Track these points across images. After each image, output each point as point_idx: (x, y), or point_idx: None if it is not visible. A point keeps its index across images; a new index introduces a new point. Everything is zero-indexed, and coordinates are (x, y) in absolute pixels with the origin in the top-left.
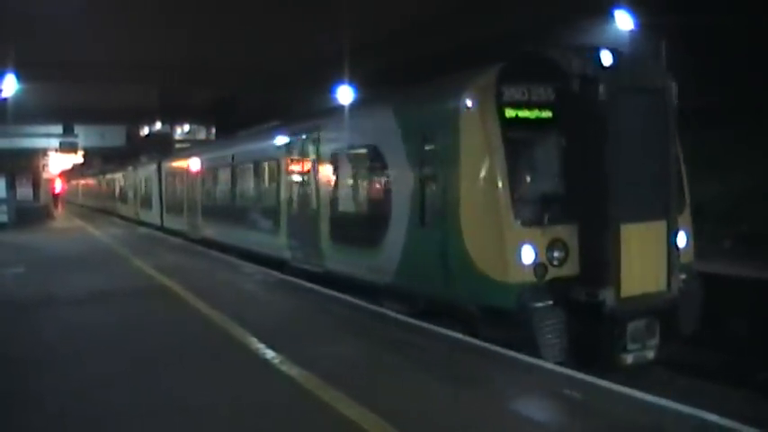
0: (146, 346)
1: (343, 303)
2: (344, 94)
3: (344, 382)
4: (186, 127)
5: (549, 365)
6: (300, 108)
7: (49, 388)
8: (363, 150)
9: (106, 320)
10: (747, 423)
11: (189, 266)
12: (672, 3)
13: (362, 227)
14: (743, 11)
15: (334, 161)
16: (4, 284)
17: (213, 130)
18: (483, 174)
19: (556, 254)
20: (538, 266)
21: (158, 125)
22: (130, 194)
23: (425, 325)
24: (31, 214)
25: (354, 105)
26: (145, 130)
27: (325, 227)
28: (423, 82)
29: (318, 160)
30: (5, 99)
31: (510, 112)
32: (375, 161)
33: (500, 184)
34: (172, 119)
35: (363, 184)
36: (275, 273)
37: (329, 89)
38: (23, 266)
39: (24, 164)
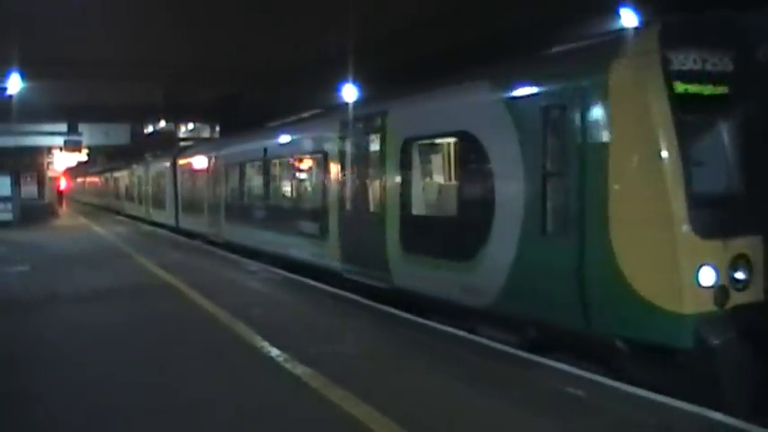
0: (150, 345)
1: (348, 301)
2: (349, 93)
3: (350, 382)
4: (190, 125)
5: (552, 363)
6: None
7: (52, 387)
8: (450, 139)
9: (111, 319)
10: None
11: (193, 264)
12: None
13: (450, 234)
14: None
15: (407, 152)
16: (8, 283)
17: (218, 128)
18: (647, 168)
19: (740, 274)
20: (719, 291)
21: (163, 123)
22: (141, 193)
23: (431, 324)
24: (35, 212)
25: (431, 85)
26: (149, 129)
27: (393, 233)
28: (532, 53)
29: (384, 151)
30: (11, 96)
31: (680, 86)
32: (467, 151)
33: (671, 183)
34: (176, 117)
35: (451, 180)
36: (280, 271)
37: (334, 87)
38: (28, 264)
39: (29, 162)
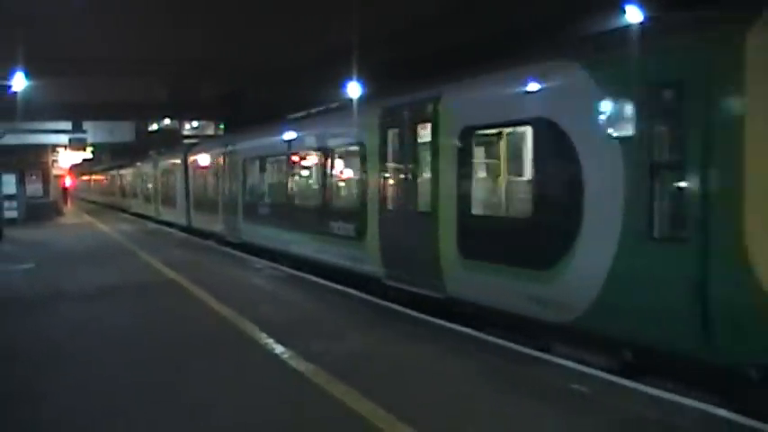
0: (154, 343)
1: (351, 297)
2: (354, 90)
3: (353, 378)
4: (195, 123)
5: (556, 359)
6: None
7: (56, 386)
8: (523, 127)
9: (115, 317)
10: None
11: (197, 262)
12: None
13: (522, 238)
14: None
15: (466, 142)
16: (14, 280)
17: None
18: None
19: None
20: None
21: (167, 121)
22: (149, 190)
23: (434, 319)
24: (40, 210)
25: (497, 65)
26: (154, 126)
27: (448, 235)
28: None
29: (437, 142)
30: (15, 94)
31: None
32: (547, 141)
33: None
34: (180, 114)
35: (523, 174)
36: (284, 268)
37: (338, 84)
38: (33, 262)
39: (34, 160)
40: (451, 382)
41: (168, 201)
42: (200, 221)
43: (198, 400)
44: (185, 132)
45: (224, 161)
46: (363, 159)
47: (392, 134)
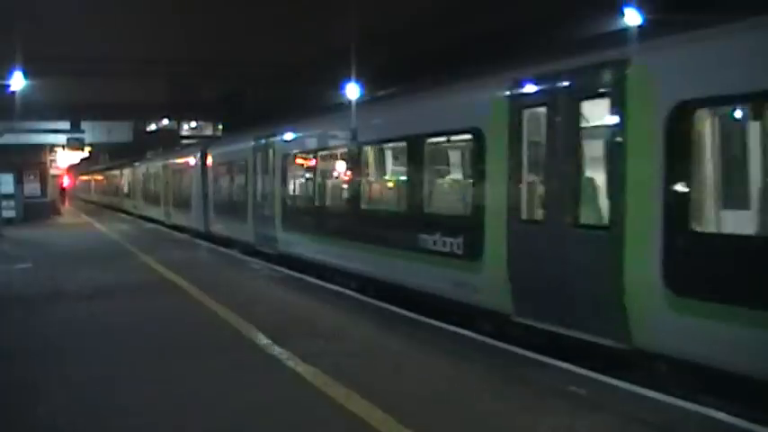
0: (152, 343)
1: (349, 299)
2: (353, 91)
3: (352, 379)
4: (193, 123)
5: (557, 362)
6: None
7: (53, 386)
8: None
9: (112, 316)
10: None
11: (195, 262)
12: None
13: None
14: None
15: (686, 125)
16: (11, 280)
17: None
18: None
19: None
20: None
21: (165, 121)
22: (157, 192)
23: (433, 321)
24: (38, 210)
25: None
26: (152, 126)
27: (642, 259)
28: None
29: (627, 125)
30: (13, 92)
31: None
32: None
33: None
34: (179, 115)
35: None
36: (282, 269)
37: (337, 85)
38: (31, 262)
39: (32, 160)
40: (450, 384)
41: (181, 203)
42: (221, 227)
43: (195, 400)
44: (184, 133)
45: (256, 157)
46: (478, 150)
47: (531, 116)
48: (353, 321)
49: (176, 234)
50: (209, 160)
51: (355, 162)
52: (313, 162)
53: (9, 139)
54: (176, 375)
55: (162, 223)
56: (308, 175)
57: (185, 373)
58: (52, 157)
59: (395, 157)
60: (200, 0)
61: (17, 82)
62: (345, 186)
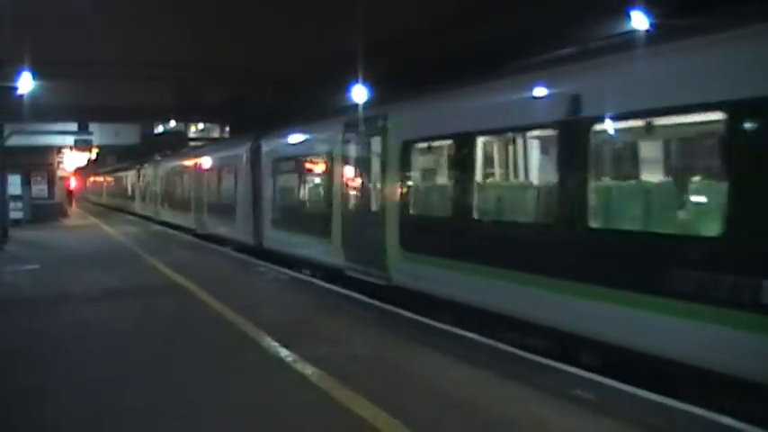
0: (159, 346)
1: (356, 302)
2: (360, 94)
3: (358, 383)
4: (200, 125)
5: (562, 365)
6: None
7: (59, 387)
8: None
9: (119, 318)
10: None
11: (202, 264)
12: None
13: None
14: None
15: None
16: (19, 281)
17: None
18: None
19: None
20: None
21: (172, 123)
22: (185, 194)
23: (441, 325)
24: (45, 211)
25: None
26: (159, 128)
27: None
28: None
29: None
30: (21, 96)
31: None
32: None
33: None
34: (186, 117)
35: None
36: (288, 272)
37: (343, 88)
38: (38, 263)
39: (39, 161)
40: (456, 387)
41: (220, 209)
42: (285, 242)
43: (201, 402)
44: (191, 135)
45: (347, 147)
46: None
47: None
48: (360, 324)
49: (183, 236)
50: (265, 153)
51: (510, 158)
52: (478, 152)
53: (17, 140)
54: (183, 378)
55: (194, 232)
56: (458, 174)
57: (192, 376)
58: (59, 159)
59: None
60: (207, 5)
61: (26, 84)
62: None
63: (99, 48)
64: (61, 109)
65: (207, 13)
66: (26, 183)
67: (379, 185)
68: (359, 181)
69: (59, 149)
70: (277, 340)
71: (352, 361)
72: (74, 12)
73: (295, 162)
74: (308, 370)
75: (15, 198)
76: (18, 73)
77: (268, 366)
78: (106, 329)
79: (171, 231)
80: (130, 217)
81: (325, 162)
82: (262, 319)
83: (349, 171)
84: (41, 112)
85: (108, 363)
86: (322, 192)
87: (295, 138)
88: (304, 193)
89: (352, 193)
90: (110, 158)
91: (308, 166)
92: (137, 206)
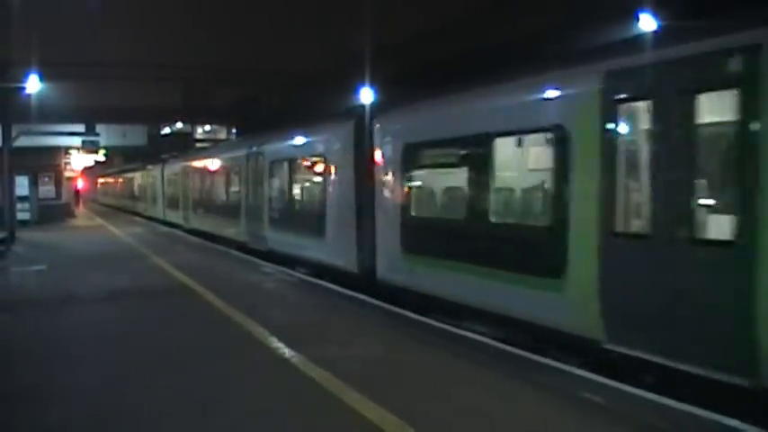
0: (165, 347)
1: (362, 303)
2: (367, 96)
3: (364, 384)
4: (207, 127)
5: (569, 368)
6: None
7: (68, 388)
8: None
9: (125, 319)
10: None
11: (208, 265)
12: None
13: None
14: None
15: None
16: (26, 282)
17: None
18: None
19: None
20: None
21: (179, 125)
22: (231, 197)
23: (447, 327)
24: (52, 212)
25: None
26: (166, 130)
27: None
28: None
29: None
30: (29, 97)
31: None
32: None
33: None
34: (193, 119)
35: None
36: (295, 273)
37: (351, 91)
38: (45, 264)
39: (46, 162)
40: (463, 390)
41: (293, 218)
42: (418, 271)
43: (207, 403)
44: (198, 136)
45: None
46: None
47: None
48: (367, 326)
49: (190, 238)
50: (388, 137)
51: None
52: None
53: (24, 141)
54: (189, 379)
55: (243, 247)
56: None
57: (198, 377)
58: (67, 160)
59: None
60: (215, 7)
61: (33, 85)
62: None
63: (106, 49)
64: (68, 110)
65: (215, 15)
66: (33, 184)
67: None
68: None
69: (67, 150)
70: (283, 341)
71: (359, 362)
72: (81, 13)
73: (437, 153)
74: (314, 371)
75: (23, 199)
76: (26, 74)
77: (275, 368)
78: (112, 331)
79: (178, 233)
80: (137, 218)
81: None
82: (268, 319)
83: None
84: (49, 113)
85: (113, 364)
86: (478, 198)
87: (430, 117)
88: (439, 197)
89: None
90: (117, 159)
91: (460, 162)
92: (158, 210)
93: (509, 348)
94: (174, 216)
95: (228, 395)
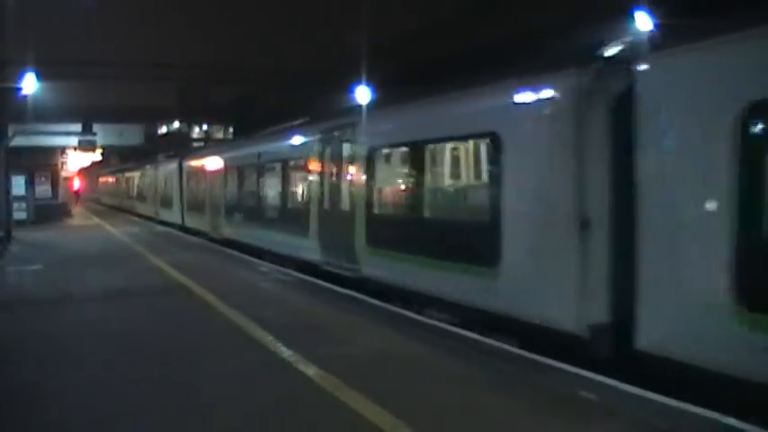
0: (162, 347)
1: (360, 302)
2: (362, 95)
3: (362, 383)
4: (204, 126)
5: (565, 366)
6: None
7: (61, 387)
8: None
9: (122, 318)
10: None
11: (205, 264)
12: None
13: None
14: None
15: None
16: (22, 282)
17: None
18: None
19: None
20: None
21: (176, 124)
22: (295, 200)
23: (445, 326)
24: (49, 212)
25: None
26: (162, 129)
27: None
28: None
29: None
30: (25, 96)
31: None
32: None
33: None
34: (190, 118)
35: None
36: (292, 272)
37: (347, 89)
38: (42, 263)
39: (43, 162)
40: (460, 388)
41: (419, 234)
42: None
43: (204, 402)
44: (194, 135)
45: None
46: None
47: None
48: (364, 325)
49: (188, 237)
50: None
51: None
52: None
53: (21, 141)
54: (187, 378)
55: (314, 268)
56: None
57: (195, 376)
58: (63, 160)
59: None
60: (212, 7)
61: (29, 84)
62: None
63: (103, 49)
64: (65, 110)
65: (212, 15)
66: (30, 183)
67: None
68: None
69: (63, 150)
70: (280, 340)
71: (356, 361)
72: (78, 12)
73: None
74: (312, 370)
75: (19, 199)
76: (22, 74)
77: (272, 367)
78: (109, 330)
79: (174, 232)
80: (134, 218)
81: None
82: (265, 318)
83: None
84: (45, 112)
85: (112, 363)
86: None
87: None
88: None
89: None
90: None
91: None
92: (173, 214)
93: (506, 347)
94: (198, 222)
95: (226, 394)
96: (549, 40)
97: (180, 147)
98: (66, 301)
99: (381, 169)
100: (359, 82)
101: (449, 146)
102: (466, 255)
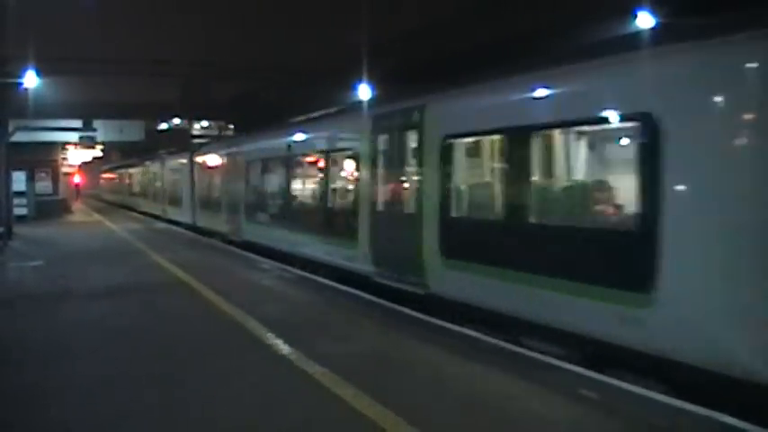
0: (163, 343)
1: (360, 300)
2: (364, 92)
3: (362, 380)
4: (204, 123)
5: (565, 365)
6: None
7: (62, 384)
8: None
9: (123, 315)
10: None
11: (206, 262)
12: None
13: None
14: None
15: None
16: (22, 278)
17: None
18: None
19: None
20: None
21: (177, 120)
22: (311, 200)
23: (446, 323)
24: (49, 207)
25: None
26: (162, 126)
27: None
28: None
29: None
30: (26, 92)
31: None
32: None
33: None
34: (191, 115)
35: None
36: (293, 269)
37: (349, 86)
38: (42, 260)
39: (44, 157)
40: (461, 386)
41: (520, 243)
42: None
43: (204, 399)
44: (195, 132)
45: None
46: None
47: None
48: (365, 322)
49: (188, 233)
50: None
51: None
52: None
53: (21, 136)
54: (187, 376)
55: (358, 276)
56: None
57: (196, 374)
58: (64, 155)
59: None
60: (213, 4)
61: (30, 80)
62: None
63: (104, 45)
64: (66, 106)
65: (213, 12)
66: (30, 179)
67: None
68: None
69: (64, 146)
70: (281, 337)
71: (356, 358)
72: (79, 9)
73: None
74: (312, 368)
75: (20, 194)
76: (23, 70)
77: (273, 364)
78: (110, 327)
79: (175, 229)
80: (134, 214)
81: None
82: (265, 316)
83: None
84: (46, 108)
85: (113, 360)
86: None
87: None
88: None
89: None
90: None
91: None
92: (184, 213)
93: (505, 345)
94: (213, 222)
95: (225, 391)
96: (553, 39)
97: (185, 142)
98: (68, 297)
99: (464, 162)
100: (360, 79)
101: (572, 132)
102: (592, 273)
